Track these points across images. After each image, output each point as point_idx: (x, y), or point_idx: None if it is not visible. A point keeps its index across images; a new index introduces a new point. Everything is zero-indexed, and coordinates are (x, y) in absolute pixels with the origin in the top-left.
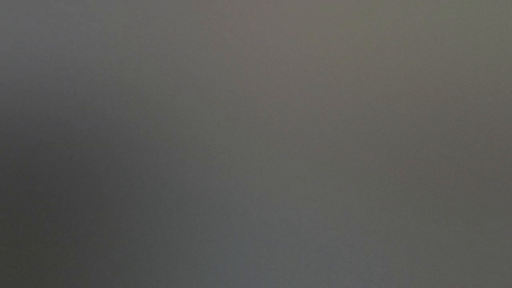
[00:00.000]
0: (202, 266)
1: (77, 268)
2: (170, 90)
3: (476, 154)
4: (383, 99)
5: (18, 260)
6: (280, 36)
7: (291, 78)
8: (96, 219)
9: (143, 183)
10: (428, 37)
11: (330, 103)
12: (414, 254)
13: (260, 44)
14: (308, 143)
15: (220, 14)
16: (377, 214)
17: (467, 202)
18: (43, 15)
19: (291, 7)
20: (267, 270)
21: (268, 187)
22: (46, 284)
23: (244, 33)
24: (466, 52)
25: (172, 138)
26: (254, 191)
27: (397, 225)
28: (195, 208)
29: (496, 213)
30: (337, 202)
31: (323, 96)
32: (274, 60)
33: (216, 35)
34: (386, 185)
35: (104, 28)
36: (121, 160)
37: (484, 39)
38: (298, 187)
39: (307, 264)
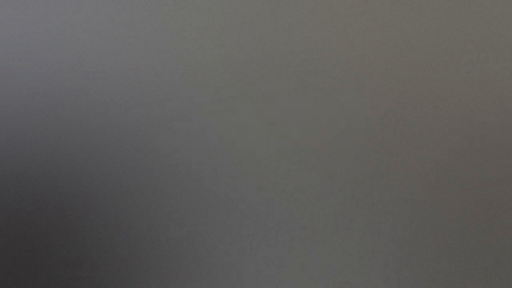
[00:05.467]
0: (201, 267)
1: (76, 268)
2: (170, 89)
3: (476, 155)
4: (383, 100)
5: (18, 260)
6: (282, 36)
7: (292, 78)
8: (96, 219)
9: (143, 184)
10: (429, 38)
11: (330, 104)
12: (413, 255)
13: (261, 44)
14: (307, 143)
15: (221, 14)
16: (377, 215)
17: (466, 204)
18: (42, 15)
19: (292, 7)
20: (265, 271)
21: (267, 187)
22: (45, 284)
23: (246, 32)
24: (466, 52)
25: (172, 138)
26: (253, 192)
27: (398, 226)
28: (195, 209)
29: (496, 215)
30: (335, 203)
31: (323, 97)
32: (275, 60)
33: (217, 34)
34: (385, 186)
35: (103, 27)
36: (121, 160)
37: (484, 39)
38: (296, 187)
39: (304, 265)
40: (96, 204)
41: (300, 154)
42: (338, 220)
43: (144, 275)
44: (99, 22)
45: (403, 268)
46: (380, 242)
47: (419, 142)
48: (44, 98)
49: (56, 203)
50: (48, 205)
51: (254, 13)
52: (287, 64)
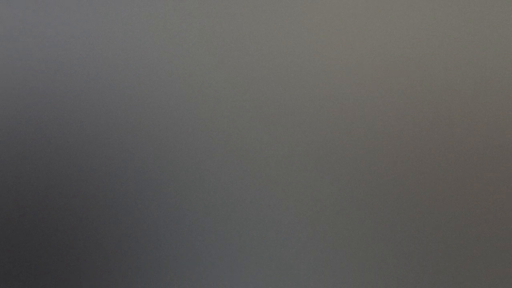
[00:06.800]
0: (201, 267)
1: (76, 269)
2: (171, 89)
3: (476, 155)
4: (383, 100)
5: (18, 260)
6: (281, 37)
7: (292, 78)
8: (96, 219)
9: (143, 184)
10: (429, 38)
11: (330, 104)
12: (413, 255)
13: (261, 44)
14: (307, 143)
15: (221, 14)
16: (377, 215)
17: (465, 205)
18: (41, 14)
19: (292, 7)
20: (262, 271)
21: (267, 187)
22: (45, 284)
23: (245, 32)
24: (466, 53)
25: (172, 138)
26: (254, 192)
27: (398, 226)
28: (195, 209)
29: (496, 215)
30: (335, 203)
31: (323, 97)
32: (275, 60)
33: (216, 34)
34: (383, 186)
35: (103, 27)
36: (121, 160)
37: (484, 39)
38: (296, 187)
39: (300, 265)
40: (96, 204)
41: (300, 154)
42: (338, 220)
43: (144, 275)
44: (99, 22)
45: (403, 268)
46: (380, 242)
47: (419, 142)
48: (44, 98)
49: (56, 203)
50: (48, 205)
51: (254, 13)
52: (287, 64)
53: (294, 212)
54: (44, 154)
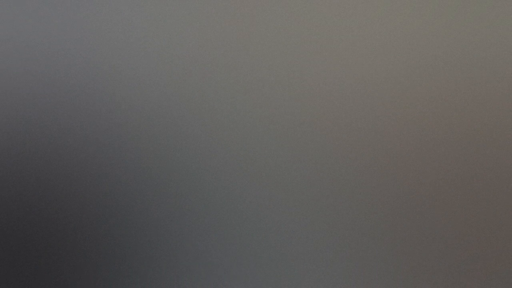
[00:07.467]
0: (201, 267)
1: (76, 269)
2: (171, 89)
3: (476, 155)
4: (383, 100)
5: (18, 260)
6: (281, 37)
7: (291, 78)
8: (96, 219)
9: (143, 184)
10: (429, 38)
11: (330, 104)
12: (413, 255)
13: (261, 44)
14: (307, 143)
15: (221, 14)
16: (377, 215)
17: (465, 205)
18: (41, 15)
19: (292, 7)
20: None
21: (267, 188)
22: (45, 284)
23: (245, 32)
24: (466, 53)
25: (172, 138)
26: (253, 191)
27: (398, 226)
28: (195, 209)
29: (496, 215)
30: (335, 203)
31: (323, 96)
32: (275, 60)
33: (217, 34)
34: (383, 186)
35: (103, 28)
36: (121, 160)
37: (484, 39)
38: (296, 187)
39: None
40: (96, 204)
41: (300, 154)
42: (338, 220)
43: (144, 275)
44: (99, 22)
45: (403, 268)
46: (380, 242)
47: (419, 142)
48: (44, 98)
49: (56, 203)
50: (48, 205)
51: (254, 12)
52: (287, 64)
53: (294, 212)
54: (44, 154)
